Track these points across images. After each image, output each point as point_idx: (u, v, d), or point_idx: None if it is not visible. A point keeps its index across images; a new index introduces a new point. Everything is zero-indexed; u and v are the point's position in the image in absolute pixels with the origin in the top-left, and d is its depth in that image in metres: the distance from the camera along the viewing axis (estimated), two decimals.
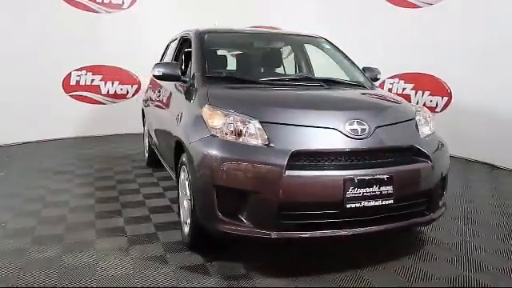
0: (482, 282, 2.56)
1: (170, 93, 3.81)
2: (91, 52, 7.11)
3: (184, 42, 4.14)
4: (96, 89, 7.34)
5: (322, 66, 3.75)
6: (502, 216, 3.72)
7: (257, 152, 2.44)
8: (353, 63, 3.77)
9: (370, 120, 2.62)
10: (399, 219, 2.61)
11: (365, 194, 2.42)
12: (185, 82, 3.38)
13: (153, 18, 7.45)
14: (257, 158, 2.41)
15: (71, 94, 7.15)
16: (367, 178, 2.42)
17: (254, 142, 2.48)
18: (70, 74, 7.10)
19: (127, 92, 7.62)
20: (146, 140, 5.31)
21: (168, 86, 3.91)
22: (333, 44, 3.93)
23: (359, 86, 3.45)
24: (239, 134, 2.52)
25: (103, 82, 7.37)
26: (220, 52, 3.75)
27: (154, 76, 3.40)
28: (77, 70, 7.14)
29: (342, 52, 3.86)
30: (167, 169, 3.93)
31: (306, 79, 3.38)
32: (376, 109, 2.88)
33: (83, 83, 7.22)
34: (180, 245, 3.02)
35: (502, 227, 3.46)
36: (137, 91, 7.64)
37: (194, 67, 3.32)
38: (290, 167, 2.36)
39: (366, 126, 2.57)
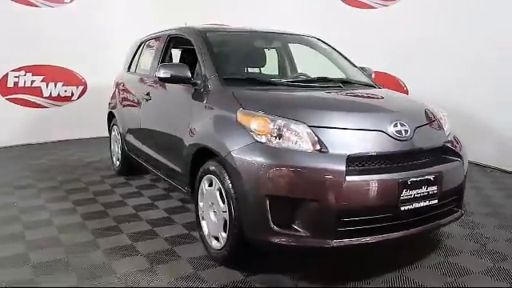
0: None
1: (166, 96, 3.55)
2: (31, 50, 6.40)
3: (172, 40, 3.87)
4: (37, 91, 6.62)
5: (325, 66, 3.71)
6: (490, 206, 3.96)
7: (312, 158, 2.33)
8: (352, 64, 3.78)
9: (409, 121, 2.63)
10: (439, 217, 2.66)
11: (415, 195, 2.43)
12: (194, 84, 3.15)
13: (97, 14, 6.86)
14: (313, 164, 2.31)
15: (9, 98, 6.39)
16: (418, 179, 2.43)
17: (305, 147, 2.37)
18: (6, 75, 6.35)
19: (72, 94, 6.97)
20: (117, 146, 4.86)
21: (160, 88, 3.63)
22: (329, 44, 3.93)
23: (370, 86, 3.47)
24: (287, 139, 2.40)
25: (45, 84, 6.67)
26: (224, 51, 3.53)
27: (160, 78, 3.14)
28: (14, 70, 6.39)
29: (341, 53, 3.87)
30: (165, 178, 3.63)
31: (324, 80, 3.32)
32: (411, 109, 2.90)
33: (22, 85, 6.49)
34: (207, 260, 2.81)
35: (496, 217, 3.69)
36: (83, 93, 7.04)
37: (205, 69, 3.10)
38: (347, 172, 2.29)
39: (407, 128, 2.57)
